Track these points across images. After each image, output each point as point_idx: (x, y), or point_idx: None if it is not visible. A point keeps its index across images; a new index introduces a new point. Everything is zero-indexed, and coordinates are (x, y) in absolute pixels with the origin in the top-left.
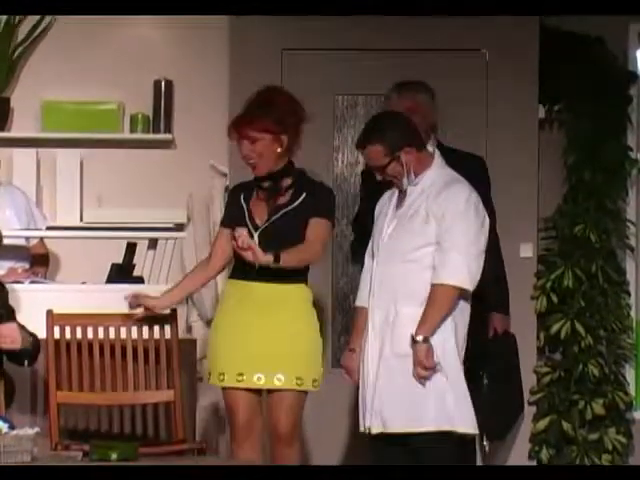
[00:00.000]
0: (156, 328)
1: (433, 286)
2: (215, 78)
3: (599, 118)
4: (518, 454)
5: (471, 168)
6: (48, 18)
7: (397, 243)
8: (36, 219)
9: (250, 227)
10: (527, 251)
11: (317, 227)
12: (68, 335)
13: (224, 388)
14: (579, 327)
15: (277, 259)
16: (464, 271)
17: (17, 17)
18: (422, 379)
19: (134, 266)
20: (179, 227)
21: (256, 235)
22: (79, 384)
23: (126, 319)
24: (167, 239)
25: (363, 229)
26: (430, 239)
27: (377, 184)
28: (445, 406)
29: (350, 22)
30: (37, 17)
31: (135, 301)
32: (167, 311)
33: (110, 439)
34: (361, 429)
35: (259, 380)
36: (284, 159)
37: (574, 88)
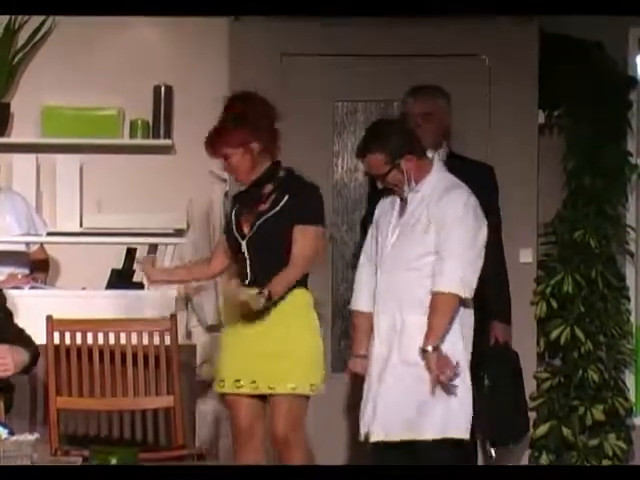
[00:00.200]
0: (156, 334)
1: (433, 294)
2: (215, 84)
3: (599, 123)
4: (518, 460)
5: (480, 176)
6: (48, 23)
7: (400, 252)
8: (36, 225)
9: (238, 236)
10: (527, 256)
11: (301, 238)
12: (68, 341)
13: (225, 394)
14: (579, 333)
15: (270, 297)
16: (459, 279)
17: (17, 23)
18: (444, 384)
19: (134, 272)
20: (179, 233)
21: (244, 244)
22: (79, 389)
23: (126, 325)
24: (167, 244)
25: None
26: (429, 248)
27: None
28: (450, 413)
29: (350, 28)
30: (37, 23)
31: (141, 265)
32: (166, 316)
33: (110, 445)
34: (361, 436)
35: (254, 386)
36: (264, 163)
37: (574, 93)
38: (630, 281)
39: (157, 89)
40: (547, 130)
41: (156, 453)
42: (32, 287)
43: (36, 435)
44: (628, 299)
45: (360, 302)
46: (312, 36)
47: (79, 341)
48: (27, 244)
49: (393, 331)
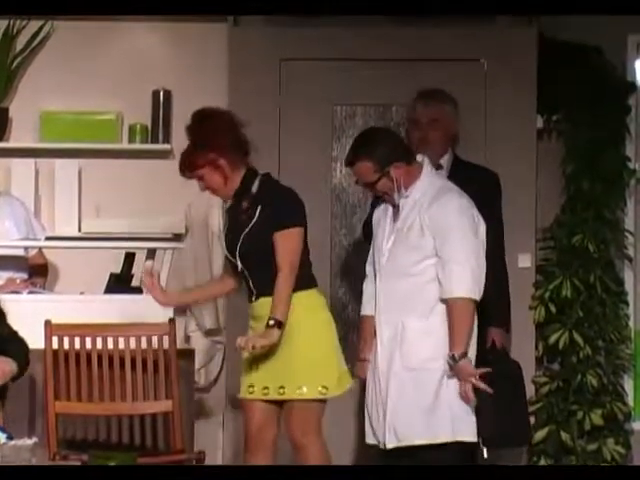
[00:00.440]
0: (154, 338)
1: (448, 302)
2: (214, 88)
3: (597, 128)
4: (516, 464)
5: (485, 182)
6: (46, 28)
7: (397, 259)
8: (35, 229)
9: (228, 254)
10: (525, 261)
11: (280, 245)
12: (66, 345)
13: (242, 399)
14: (577, 337)
15: (279, 325)
16: (470, 282)
17: (15, 28)
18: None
19: (132, 276)
20: (177, 237)
21: (238, 260)
22: (77, 394)
23: (124, 329)
24: (165, 249)
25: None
26: (427, 252)
27: None
28: (457, 416)
29: (349, 32)
30: (35, 27)
31: (148, 281)
32: (165, 320)
33: (109, 449)
34: (369, 441)
35: (265, 392)
36: (238, 175)
37: (573, 98)
38: (629, 286)
39: (156, 94)
40: (546, 135)
41: (155, 458)
42: (30, 292)
43: (35, 440)
44: (627, 304)
45: (366, 308)
46: (310, 41)
47: (78, 346)
48: (26, 249)
49: (394, 340)
